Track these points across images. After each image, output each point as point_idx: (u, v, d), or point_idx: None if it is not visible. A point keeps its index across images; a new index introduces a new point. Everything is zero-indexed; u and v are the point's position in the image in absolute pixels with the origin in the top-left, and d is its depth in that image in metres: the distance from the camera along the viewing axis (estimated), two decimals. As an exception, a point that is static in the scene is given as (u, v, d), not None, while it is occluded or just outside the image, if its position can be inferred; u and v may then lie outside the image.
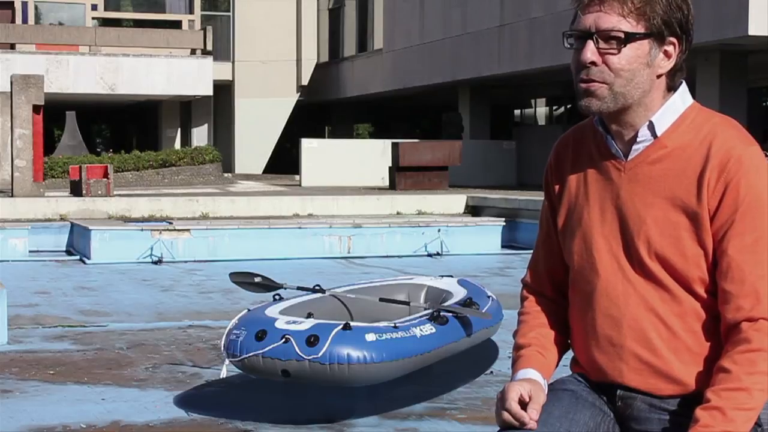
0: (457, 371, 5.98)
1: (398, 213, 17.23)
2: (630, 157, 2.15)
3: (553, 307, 2.34)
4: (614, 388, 2.20)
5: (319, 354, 4.73)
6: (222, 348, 5.08)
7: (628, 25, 2.05)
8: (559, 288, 2.34)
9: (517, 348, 2.31)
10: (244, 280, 6.11)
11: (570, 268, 2.27)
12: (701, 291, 2.09)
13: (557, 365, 2.33)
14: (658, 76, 2.11)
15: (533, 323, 2.33)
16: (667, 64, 2.11)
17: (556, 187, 2.29)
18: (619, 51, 2.06)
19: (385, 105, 36.77)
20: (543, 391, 2.19)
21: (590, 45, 2.07)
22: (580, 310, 2.24)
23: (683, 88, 2.17)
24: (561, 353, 2.34)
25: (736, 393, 2.00)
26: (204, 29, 29.81)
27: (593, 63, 2.07)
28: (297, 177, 26.10)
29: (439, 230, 13.94)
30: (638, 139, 2.14)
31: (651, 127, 2.13)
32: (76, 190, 18.31)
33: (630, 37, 2.05)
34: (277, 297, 5.60)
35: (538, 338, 2.30)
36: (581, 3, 2.10)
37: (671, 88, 2.14)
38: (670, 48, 2.10)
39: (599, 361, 2.20)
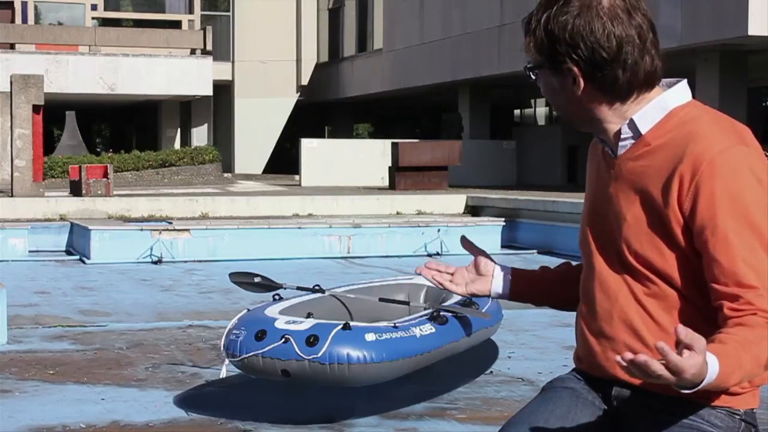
0: (457, 371, 5.98)
1: (398, 213, 17.22)
2: (618, 155, 2.18)
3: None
4: (611, 385, 2.21)
5: (319, 354, 4.73)
6: (222, 348, 5.08)
7: (529, 59, 2.17)
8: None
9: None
10: (244, 280, 6.11)
11: None
12: (683, 287, 2.10)
13: (545, 293, 2.43)
14: (580, 98, 2.13)
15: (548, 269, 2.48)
16: (576, 89, 2.12)
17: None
18: (537, 82, 2.19)
19: (385, 105, 36.77)
20: (483, 274, 2.38)
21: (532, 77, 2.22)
22: (582, 303, 2.27)
23: (679, 86, 2.16)
24: (556, 295, 2.43)
25: (754, 346, 1.95)
26: (204, 29, 29.80)
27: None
28: (297, 177, 26.10)
29: (438, 230, 13.95)
30: (622, 136, 2.16)
31: (632, 125, 2.14)
32: (75, 190, 18.31)
33: (528, 70, 2.18)
34: (276, 297, 5.60)
35: (540, 271, 2.45)
36: None
37: (617, 99, 2.12)
38: (575, 74, 2.11)
39: (595, 353, 2.22)
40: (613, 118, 2.15)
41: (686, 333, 1.87)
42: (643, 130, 2.13)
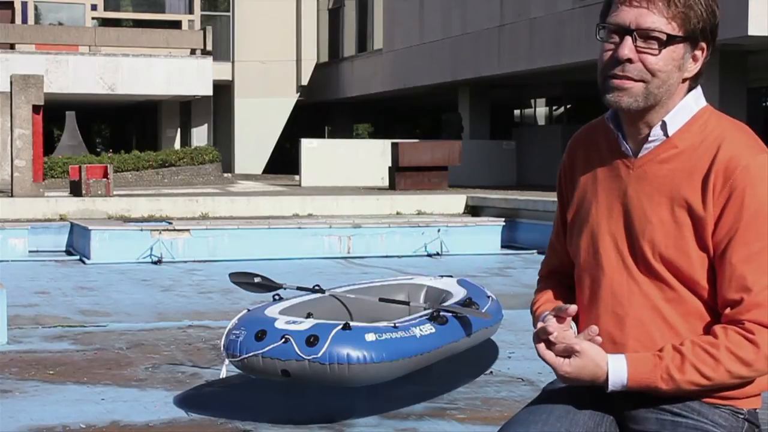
0: (457, 371, 5.98)
1: (398, 213, 17.22)
2: (640, 155, 2.16)
3: (564, 280, 2.36)
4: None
5: (319, 354, 4.73)
6: (222, 348, 5.08)
7: (671, 27, 2.07)
8: (568, 275, 2.35)
9: (534, 309, 2.35)
10: (244, 280, 6.11)
11: (576, 265, 2.27)
12: (705, 292, 2.09)
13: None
14: (684, 80, 2.13)
15: (545, 294, 2.37)
16: (693, 68, 2.13)
17: (568, 186, 2.32)
18: (659, 52, 2.07)
19: (385, 105, 36.77)
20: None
21: (629, 42, 2.07)
22: (583, 306, 2.24)
23: (698, 89, 2.18)
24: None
25: (707, 357, 2.03)
26: (204, 29, 29.79)
27: (630, 60, 2.07)
28: (297, 177, 26.10)
29: (438, 230, 13.94)
30: (650, 138, 2.14)
31: (663, 126, 2.13)
32: (75, 190, 18.31)
33: (671, 40, 2.07)
34: (276, 297, 5.60)
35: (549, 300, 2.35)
36: None
37: (690, 90, 2.15)
38: (698, 52, 2.13)
39: None
40: (672, 108, 2.13)
41: (560, 337, 2.05)
42: (671, 132, 2.13)
